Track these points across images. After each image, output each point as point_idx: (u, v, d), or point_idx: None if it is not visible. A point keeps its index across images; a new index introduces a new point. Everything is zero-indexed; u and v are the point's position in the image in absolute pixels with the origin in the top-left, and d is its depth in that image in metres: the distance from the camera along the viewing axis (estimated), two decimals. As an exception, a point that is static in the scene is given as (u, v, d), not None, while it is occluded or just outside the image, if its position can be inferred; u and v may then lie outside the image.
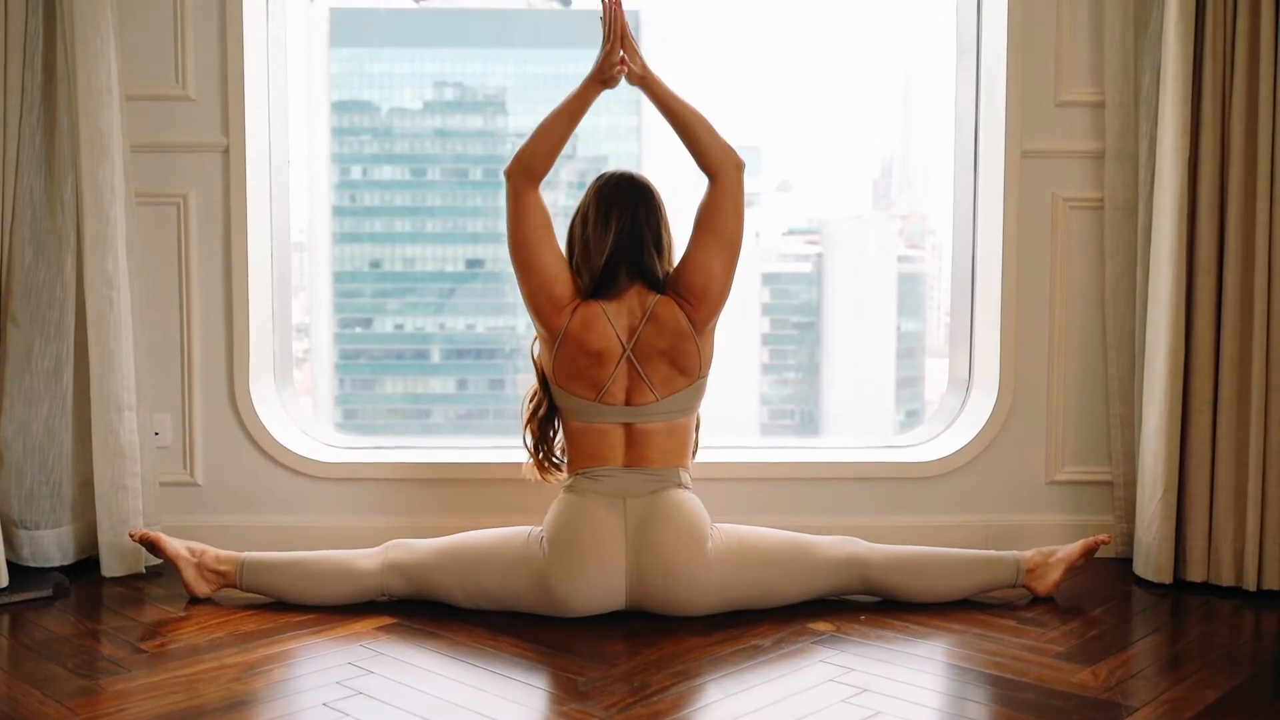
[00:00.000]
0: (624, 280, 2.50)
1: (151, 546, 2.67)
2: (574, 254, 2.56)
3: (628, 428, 2.50)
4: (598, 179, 2.58)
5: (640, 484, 2.47)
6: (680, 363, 2.50)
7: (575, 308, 2.49)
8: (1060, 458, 3.09)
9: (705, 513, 2.49)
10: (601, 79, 2.51)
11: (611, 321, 2.48)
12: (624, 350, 2.48)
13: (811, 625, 2.46)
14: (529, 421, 2.60)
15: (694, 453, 2.62)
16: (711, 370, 2.57)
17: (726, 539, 2.48)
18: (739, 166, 2.51)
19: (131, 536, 2.72)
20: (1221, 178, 2.74)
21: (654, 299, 2.50)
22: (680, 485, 2.51)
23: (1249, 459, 2.71)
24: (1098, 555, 2.85)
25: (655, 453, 2.49)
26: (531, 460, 2.63)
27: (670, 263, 2.57)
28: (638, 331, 2.48)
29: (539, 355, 2.58)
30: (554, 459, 2.62)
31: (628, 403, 2.49)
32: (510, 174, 2.49)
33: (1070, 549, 2.68)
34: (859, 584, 2.57)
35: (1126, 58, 2.92)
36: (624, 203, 2.52)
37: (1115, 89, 2.93)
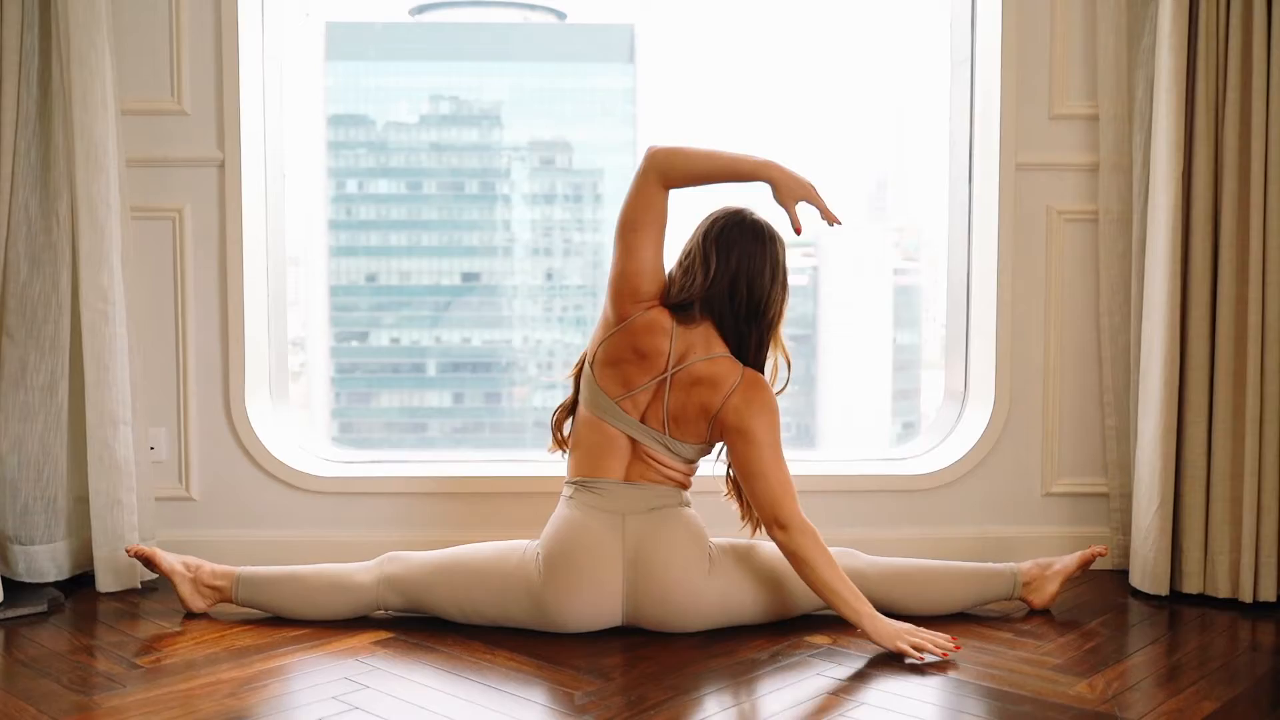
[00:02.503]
0: (698, 311, 2.46)
1: (147, 561, 2.66)
2: (679, 263, 2.51)
3: (633, 443, 2.49)
4: (737, 213, 2.50)
5: (639, 500, 2.45)
6: (684, 423, 2.45)
7: (650, 307, 2.46)
8: (1056, 470, 3.10)
9: (705, 531, 2.48)
10: (787, 185, 2.43)
11: (673, 340, 2.45)
12: (666, 370, 2.46)
13: (808, 638, 2.46)
14: (573, 380, 2.57)
15: (754, 523, 2.53)
16: (697, 462, 2.54)
17: (725, 557, 2.47)
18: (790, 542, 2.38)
19: (127, 552, 2.71)
20: (1215, 190, 2.75)
21: (721, 352, 2.45)
22: (681, 504, 2.49)
23: (1244, 470, 2.71)
24: (1094, 567, 2.86)
25: (655, 473, 2.48)
26: (555, 416, 2.60)
27: (766, 329, 2.49)
28: (687, 364, 2.45)
29: (593, 337, 2.53)
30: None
31: (642, 419, 2.47)
32: (654, 157, 2.41)
33: (1067, 561, 2.68)
34: (856, 597, 2.57)
35: (1120, 71, 2.93)
36: (745, 250, 2.46)
37: (1109, 102, 2.94)
